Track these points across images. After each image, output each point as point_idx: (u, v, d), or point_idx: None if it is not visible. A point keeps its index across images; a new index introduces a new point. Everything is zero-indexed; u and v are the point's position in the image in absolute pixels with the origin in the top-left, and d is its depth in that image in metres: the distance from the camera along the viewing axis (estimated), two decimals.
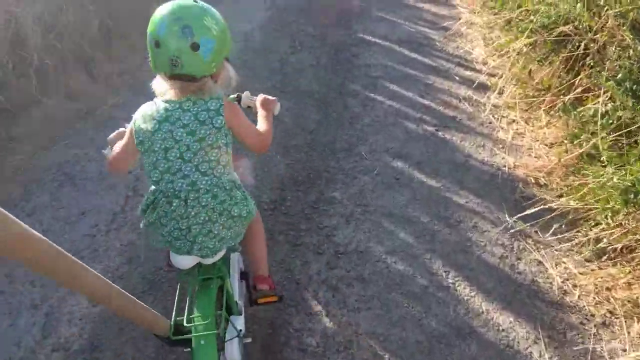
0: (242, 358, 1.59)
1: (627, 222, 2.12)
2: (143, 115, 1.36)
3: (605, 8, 2.83)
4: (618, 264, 2.11)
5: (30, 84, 3.13)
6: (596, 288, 2.05)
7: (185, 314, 1.42)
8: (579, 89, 2.92)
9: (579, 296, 2.05)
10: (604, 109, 2.62)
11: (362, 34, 4.69)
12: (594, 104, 2.73)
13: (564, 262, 2.19)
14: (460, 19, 4.88)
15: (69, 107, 3.45)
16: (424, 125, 3.27)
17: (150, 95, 1.41)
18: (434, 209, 2.55)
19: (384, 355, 1.86)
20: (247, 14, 5.08)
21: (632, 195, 2.09)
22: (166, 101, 1.35)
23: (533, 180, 2.72)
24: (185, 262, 1.49)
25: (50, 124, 3.27)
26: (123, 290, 1.06)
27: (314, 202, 2.61)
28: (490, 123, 3.29)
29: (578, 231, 2.26)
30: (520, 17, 3.54)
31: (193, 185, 1.35)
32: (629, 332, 1.88)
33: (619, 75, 2.57)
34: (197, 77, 1.29)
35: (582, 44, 2.92)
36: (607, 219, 2.15)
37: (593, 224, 2.23)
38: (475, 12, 4.74)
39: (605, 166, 2.42)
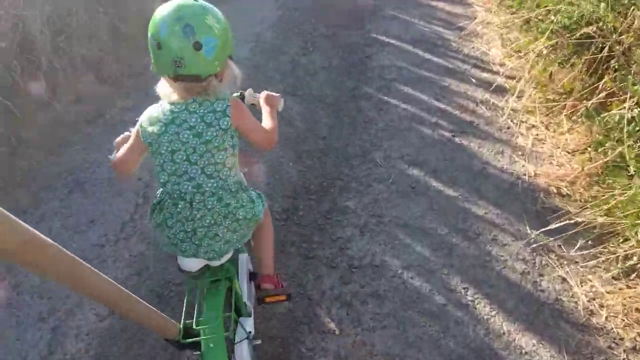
0: None
1: None
2: (149, 118, 1.35)
3: (632, 8, 2.71)
4: None
5: (40, 87, 3.08)
6: (625, 309, 1.95)
7: (195, 316, 1.41)
8: (603, 94, 2.80)
9: (606, 317, 1.95)
10: (630, 115, 2.49)
11: (375, 33, 4.59)
12: (619, 110, 2.61)
13: (589, 280, 2.09)
14: (475, 18, 4.76)
15: (78, 110, 3.41)
16: (439, 131, 3.17)
17: (159, 97, 1.38)
18: (451, 220, 2.46)
19: None
20: (258, 14, 5.00)
21: None
22: (172, 103, 1.33)
23: (555, 190, 2.61)
24: (192, 264, 1.48)
25: (60, 128, 3.23)
26: (132, 294, 1.05)
27: (327, 212, 2.53)
28: (508, 128, 3.18)
29: (605, 247, 2.15)
30: (539, 17, 3.41)
31: (198, 187, 1.34)
32: None
33: None
34: (202, 77, 1.27)
35: (607, 46, 2.80)
36: (637, 235, 2.04)
37: (621, 240, 2.12)
38: (491, 11, 4.61)
39: (632, 176, 2.31)
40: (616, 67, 2.77)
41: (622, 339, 1.88)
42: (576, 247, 2.19)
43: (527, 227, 2.39)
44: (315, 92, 3.66)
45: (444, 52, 4.21)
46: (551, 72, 3.24)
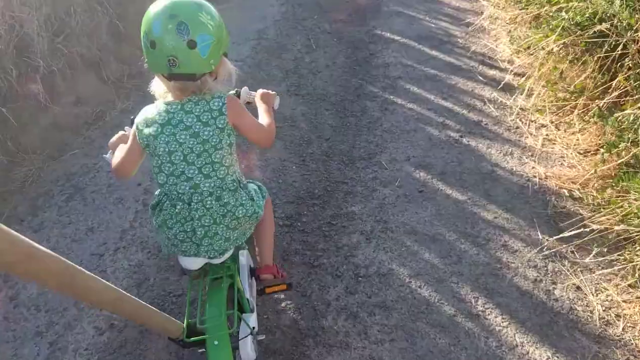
0: (257, 355, 1.58)
1: None
2: (145, 119, 1.33)
3: None
4: None
5: (37, 90, 3.02)
6: None
7: (198, 314, 1.41)
8: (616, 93, 2.71)
9: (623, 328, 1.88)
10: None
11: (379, 30, 4.50)
12: (633, 110, 2.52)
13: (605, 289, 2.01)
14: (482, 13, 4.65)
15: (77, 112, 3.34)
16: (447, 131, 3.09)
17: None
18: (460, 226, 2.39)
19: None
20: (260, 10, 4.92)
21: None
22: (167, 103, 1.32)
23: (567, 193, 2.53)
24: (193, 263, 1.49)
25: (59, 132, 3.17)
26: (134, 297, 1.06)
27: (331, 218, 2.46)
28: (517, 128, 3.10)
29: (620, 254, 2.07)
30: (550, 14, 3.31)
31: (196, 187, 1.34)
32: None
33: None
34: (196, 75, 1.26)
35: (621, 44, 2.70)
36: None
37: (638, 247, 2.04)
38: (499, 6, 4.50)
39: None
40: (630, 65, 2.67)
41: None
42: (591, 256, 2.10)
43: (539, 232, 2.32)
44: (319, 92, 3.59)
45: (450, 48, 4.12)
46: (562, 70, 3.15)
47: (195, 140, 1.30)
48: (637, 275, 1.98)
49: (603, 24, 2.77)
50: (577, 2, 2.96)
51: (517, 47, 3.82)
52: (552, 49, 3.11)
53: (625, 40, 2.66)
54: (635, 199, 2.12)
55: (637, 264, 1.98)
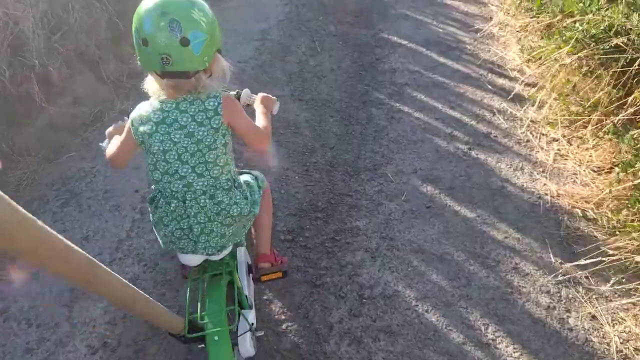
0: (256, 351, 1.59)
1: None
2: (140, 116, 1.32)
3: None
4: None
5: (32, 90, 2.91)
6: None
7: (198, 311, 1.42)
8: (632, 109, 2.62)
9: None
10: None
11: (386, 33, 4.40)
12: None
13: (622, 319, 1.93)
14: (491, 19, 4.56)
15: (74, 113, 3.24)
16: (455, 143, 3.00)
17: None
18: (469, 245, 2.30)
19: None
20: (265, 10, 4.81)
21: None
22: (162, 101, 1.30)
23: (580, 213, 2.45)
24: (192, 259, 1.50)
25: (55, 133, 3.07)
26: (142, 293, 1.06)
27: (335, 233, 2.37)
28: (528, 141, 3.01)
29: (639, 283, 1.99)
30: (564, 24, 3.22)
31: (189, 186, 1.34)
32: None
33: None
34: (190, 73, 1.25)
35: (638, 59, 2.61)
36: None
37: None
38: (509, 13, 4.40)
39: None
40: None
41: None
42: (609, 285, 2.01)
43: (551, 255, 2.23)
44: (323, 97, 3.49)
45: (458, 55, 4.02)
46: (574, 83, 3.06)
47: (190, 140, 1.29)
48: None
49: (619, 37, 2.68)
50: (592, 14, 2.86)
51: (527, 56, 3.73)
52: (565, 61, 3.02)
53: None
54: None
55: None
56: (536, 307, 2.01)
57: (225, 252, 1.51)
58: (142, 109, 1.33)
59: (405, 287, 2.10)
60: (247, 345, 1.52)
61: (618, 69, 2.72)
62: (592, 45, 2.89)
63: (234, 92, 1.64)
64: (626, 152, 2.55)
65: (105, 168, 2.83)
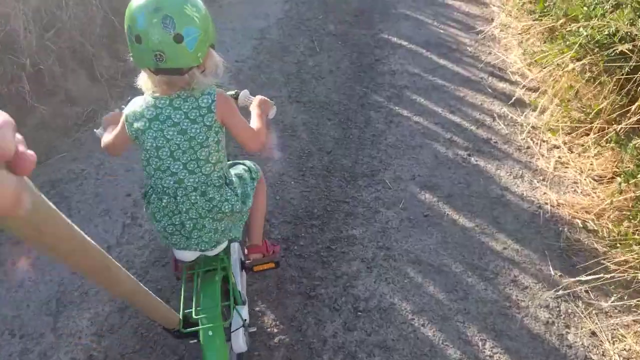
0: (248, 347, 1.61)
1: None
2: (134, 112, 1.32)
3: None
4: None
5: (23, 89, 2.84)
6: None
7: (193, 306, 1.42)
8: (635, 118, 2.57)
9: None
10: None
11: (386, 34, 4.33)
12: None
13: (623, 337, 1.88)
14: (493, 20, 4.49)
15: (67, 112, 3.17)
16: (454, 149, 2.94)
17: None
18: (467, 257, 2.25)
19: None
20: (264, 7, 4.73)
21: None
22: (155, 98, 1.30)
23: (580, 224, 2.40)
24: (187, 254, 1.50)
25: (46, 134, 3.00)
26: (145, 288, 1.06)
27: (330, 242, 2.32)
28: (528, 148, 2.95)
29: None
30: (566, 28, 3.16)
31: (180, 182, 1.34)
32: None
33: None
34: (184, 69, 1.24)
35: None
36: None
37: None
38: (511, 14, 4.34)
39: None
40: None
41: None
42: (610, 302, 1.96)
43: (550, 267, 2.18)
44: (321, 99, 3.43)
45: (459, 57, 3.96)
46: (577, 89, 3.00)
47: (183, 137, 1.29)
48: None
49: (625, 44, 2.62)
50: (597, 19, 2.80)
51: (529, 59, 3.67)
52: (568, 66, 2.96)
53: None
54: None
55: None
56: (535, 322, 1.96)
57: (220, 247, 1.52)
58: (136, 105, 1.33)
59: (402, 299, 2.05)
60: (239, 341, 1.54)
61: (622, 76, 2.66)
62: (595, 51, 2.84)
63: (233, 92, 1.63)
64: (628, 161, 2.49)
65: (96, 170, 2.78)
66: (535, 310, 2.01)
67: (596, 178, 2.64)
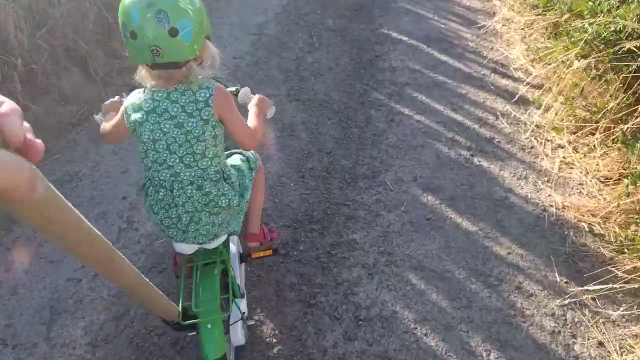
0: (246, 340, 1.62)
1: None
2: (132, 105, 1.33)
3: None
4: None
5: (15, 89, 2.77)
6: None
7: (192, 299, 1.43)
8: None
9: None
10: None
11: (386, 29, 4.25)
12: None
13: (631, 347, 1.83)
14: (495, 14, 4.41)
15: (60, 112, 3.10)
16: (456, 148, 2.88)
17: None
18: (470, 262, 2.20)
19: None
20: (261, 2, 4.64)
21: None
22: (154, 91, 1.30)
23: (586, 227, 2.34)
24: (186, 247, 1.50)
25: (39, 134, 2.90)
26: (147, 280, 1.06)
27: (331, 247, 2.26)
28: (532, 148, 2.89)
29: None
30: (571, 24, 3.08)
31: (176, 176, 1.34)
32: None
33: None
34: (181, 63, 1.24)
35: None
36: None
37: None
38: (513, 9, 4.25)
39: None
40: None
41: None
42: (618, 312, 1.91)
43: (556, 273, 2.13)
44: (320, 97, 3.36)
45: (460, 53, 3.89)
46: (582, 87, 2.93)
47: (179, 131, 1.29)
48: None
49: (632, 41, 2.55)
50: (603, 15, 2.73)
51: (532, 55, 3.60)
52: (573, 64, 2.89)
53: None
54: None
55: None
56: (540, 331, 1.92)
57: (219, 240, 1.52)
58: (135, 97, 1.33)
59: (404, 307, 2.00)
60: (238, 334, 1.57)
61: (630, 74, 2.60)
62: (601, 48, 2.77)
63: (234, 88, 1.62)
64: (636, 162, 2.44)
65: (92, 172, 2.72)
66: (540, 319, 1.96)
67: (602, 179, 2.58)
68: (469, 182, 2.64)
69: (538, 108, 3.13)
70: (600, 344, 1.86)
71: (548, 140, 2.93)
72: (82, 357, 1.84)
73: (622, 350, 1.83)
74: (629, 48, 2.54)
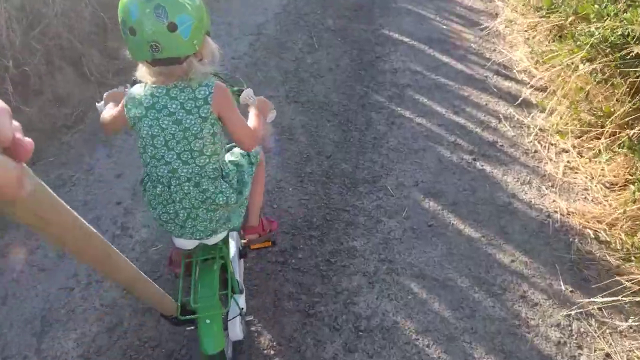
0: (244, 335, 1.62)
1: None
2: (132, 100, 1.33)
3: None
4: None
5: (6, 90, 2.71)
6: None
7: (191, 294, 1.43)
8: None
9: None
10: None
11: (387, 29, 4.19)
12: None
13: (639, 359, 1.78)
14: (497, 15, 4.35)
15: (54, 114, 3.04)
16: (459, 152, 2.83)
17: None
18: (473, 270, 2.14)
19: None
20: (261, 2, 4.58)
21: None
22: (154, 87, 1.30)
23: (591, 234, 2.29)
24: (185, 242, 1.51)
25: (32, 136, 2.84)
26: (145, 276, 1.07)
27: (330, 254, 2.21)
28: (536, 152, 2.84)
29: None
30: (576, 26, 3.03)
31: (174, 172, 1.34)
32: None
33: None
34: (181, 58, 1.23)
35: None
36: None
37: None
38: (516, 10, 4.20)
39: None
40: None
41: None
42: (627, 324, 1.86)
43: (561, 282, 2.08)
44: (320, 99, 3.30)
45: (462, 54, 3.83)
46: (588, 91, 2.87)
47: (178, 127, 1.29)
48: None
49: (639, 45, 2.50)
50: (609, 19, 2.67)
51: (535, 57, 3.54)
52: (578, 67, 2.83)
53: None
54: None
55: None
56: (545, 342, 1.86)
57: (219, 236, 1.52)
58: (136, 92, 1.33)
59: (405, 317, 1.95)
60: (236, 329, 1.59)
61: (637, 79, 2.54)
62: (607, 52, 2.71)
63: (237, 89, 1.61)
64: None
65: (86, 176, 2.66)
66: (545, 329, 1.91)
67: (607, 185, 2.53)
68: (472, 187, 2.59)
69: (542, 111, 3.08)
70: (607, 355, 1.81)
71: (552, 144, 2.87)
72: None
73: None
74: (637, 53, 2.49)
